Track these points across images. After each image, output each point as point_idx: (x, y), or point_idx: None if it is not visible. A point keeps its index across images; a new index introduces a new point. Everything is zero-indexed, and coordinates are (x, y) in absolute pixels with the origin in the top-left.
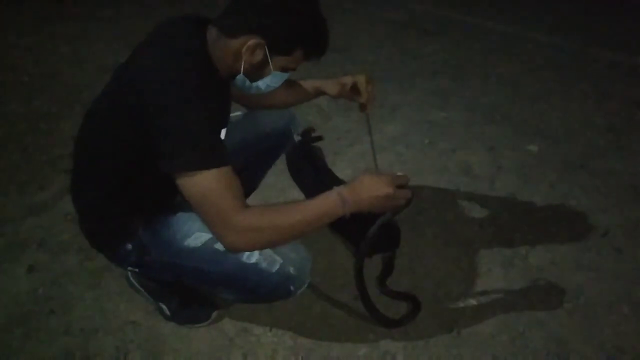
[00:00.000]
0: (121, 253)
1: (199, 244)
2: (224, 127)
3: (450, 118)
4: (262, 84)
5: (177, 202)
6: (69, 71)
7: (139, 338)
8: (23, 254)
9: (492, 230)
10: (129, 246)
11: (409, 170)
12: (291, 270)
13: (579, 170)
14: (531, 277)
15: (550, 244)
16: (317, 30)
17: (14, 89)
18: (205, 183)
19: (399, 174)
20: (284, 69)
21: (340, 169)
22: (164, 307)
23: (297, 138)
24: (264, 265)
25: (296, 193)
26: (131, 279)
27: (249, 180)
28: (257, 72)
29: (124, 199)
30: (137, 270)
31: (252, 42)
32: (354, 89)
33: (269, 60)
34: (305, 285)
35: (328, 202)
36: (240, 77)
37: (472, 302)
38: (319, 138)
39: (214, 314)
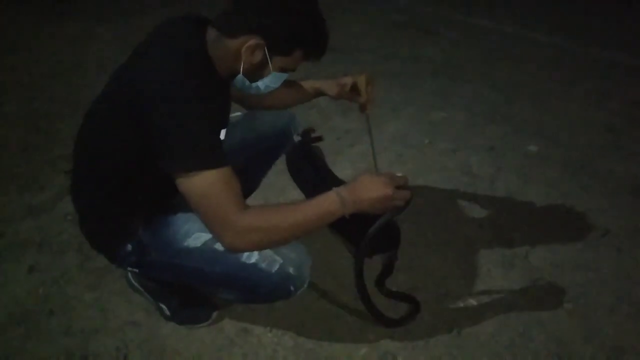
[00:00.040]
0: (121, 253)
1: (199, 244)
2: (223, 128)
3: (450, 118)
4: (262, 84)
5: (177, 202)
6: (69, 71)
7: (139, 338)
8: (23, 254)
9: (492, 230)
10: (129, 246)
11: (409, 170)
12: (291, 270)
13: (579, 170)
14: (531, 277)
15: (550, 244)
16: (317, 30)
17: (14, 89)
18: (205, 183)
19: (399, 174)
20: (283, 70)
21: (340, 169)
22: (164, 307)
23: (297, 138)
24: (263, 265)
25: (296, 193)
26: (131, 279)
27: (249, 180)
28: (256, 72)
29: (124, 199)
30: (137, 270)
31: (251, 42)
32: (354, 90)
33: (269, 61)
34: (305, 286)
35: (327, 203)
36: (239, 77)
37: (472, 302)
38: (319, 138)
39: (214, 314)
